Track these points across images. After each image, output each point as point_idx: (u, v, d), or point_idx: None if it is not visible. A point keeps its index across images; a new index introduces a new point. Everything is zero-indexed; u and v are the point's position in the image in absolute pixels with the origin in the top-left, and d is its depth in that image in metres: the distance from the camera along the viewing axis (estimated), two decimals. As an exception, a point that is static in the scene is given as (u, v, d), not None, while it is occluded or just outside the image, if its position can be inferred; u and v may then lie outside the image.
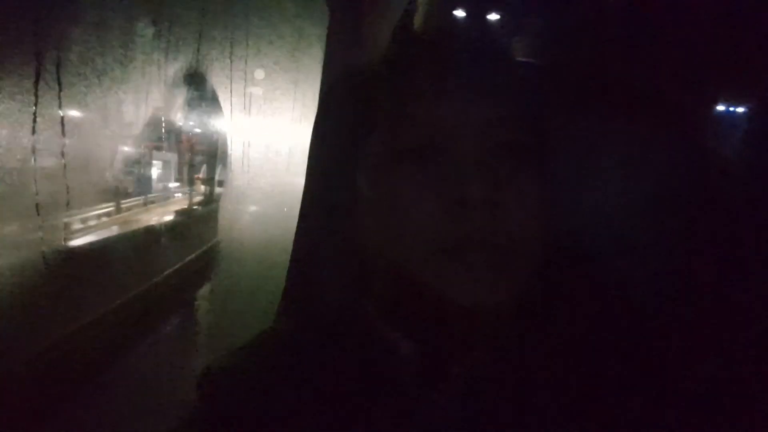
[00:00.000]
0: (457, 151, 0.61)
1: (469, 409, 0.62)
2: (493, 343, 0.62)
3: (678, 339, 0.64)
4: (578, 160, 0.82)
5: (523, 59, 0.91)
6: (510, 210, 0.60)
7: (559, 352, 0.62)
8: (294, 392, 0.68)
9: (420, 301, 0.61)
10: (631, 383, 0.61)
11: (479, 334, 0.62)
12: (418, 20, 1.76)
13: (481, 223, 0.58)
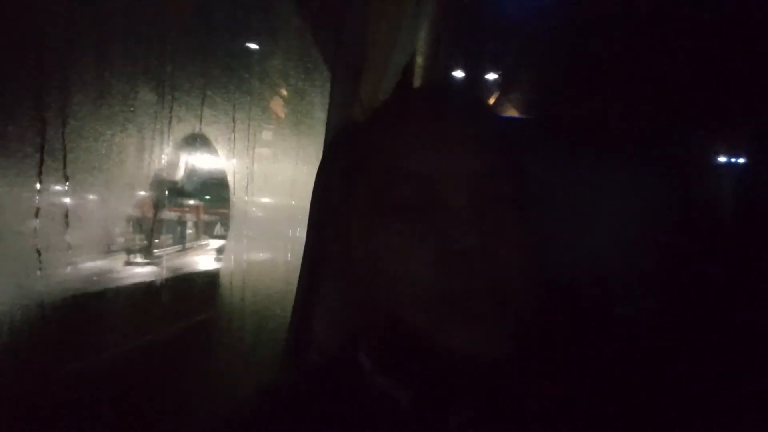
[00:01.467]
0: (448, 203, 0.61)
1: None
2: (493, 393, 0.61)
3: (675, 383, 0.64)
4: (567, 209, 0.83)
5: (510, 114, 0.94)
6: (502, 259, 0.60)
7: (559, 399, 0.61)
8: None
9: (417, 353, 0.61)
10: (634, 425, 0.60)
11: (478, 384, 0.61)
12: (416, 82, 1.82)
13: (474, 273, 0.58)
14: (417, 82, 1.58)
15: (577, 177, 0.88)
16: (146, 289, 1.12)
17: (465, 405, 0.61)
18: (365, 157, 0.69)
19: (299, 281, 1.02)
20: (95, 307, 0.98)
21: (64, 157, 0.79)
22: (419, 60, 1.50)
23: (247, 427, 0.69)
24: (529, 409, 0.60)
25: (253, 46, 1.34)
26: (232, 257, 1.39)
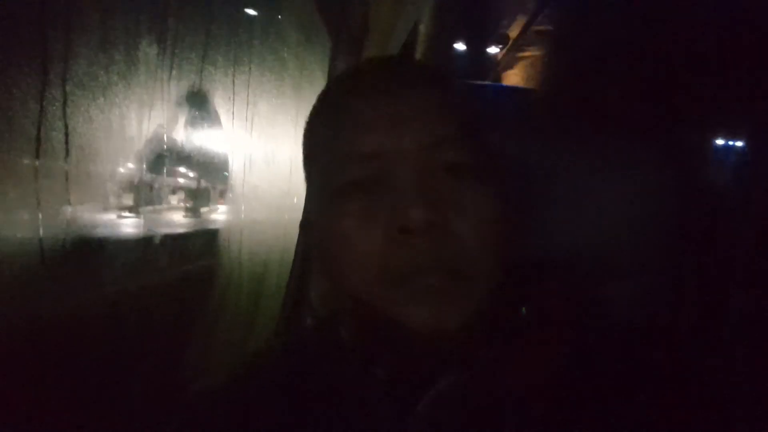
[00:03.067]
0: (397, 178, 0.60)
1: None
2: (459, 366, 0.61)
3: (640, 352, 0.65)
4: (528, 179, 0.83)
5: (466, 81, 0.93)
6: (455, 233, 0.58)
7: (525, 370, 0.62)
8: (276, 416, 0.68)
9: (381, 330, 0.61)
10: (600, 397, 0.60)
11: (443, 358, 0.61)
12: (417, 53, 1.81)
13: (426, 248, 0.57)
14: (419, 51, 1.57)
15: (554, 147, 0.87)
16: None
17: (435, 379, 0.61)
18: (318, 138, 0.68)
19: (296, 251, 1.03)
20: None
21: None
22: (420, 33, 1.49)
23: (234, 394, 0.70)
24: (502, 384, 0.60)
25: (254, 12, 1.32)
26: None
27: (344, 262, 0.61)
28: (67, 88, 0.76)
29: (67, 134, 0.78)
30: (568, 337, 0.63)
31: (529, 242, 0.68)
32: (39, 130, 0.74)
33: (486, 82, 1.08)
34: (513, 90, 1.08)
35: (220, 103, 1.09)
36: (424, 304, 0.56)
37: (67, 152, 0.78)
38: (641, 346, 0.66)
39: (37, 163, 0.76)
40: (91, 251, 0.95)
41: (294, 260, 1.05)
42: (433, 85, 0.65)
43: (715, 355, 0.72)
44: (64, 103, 0.76)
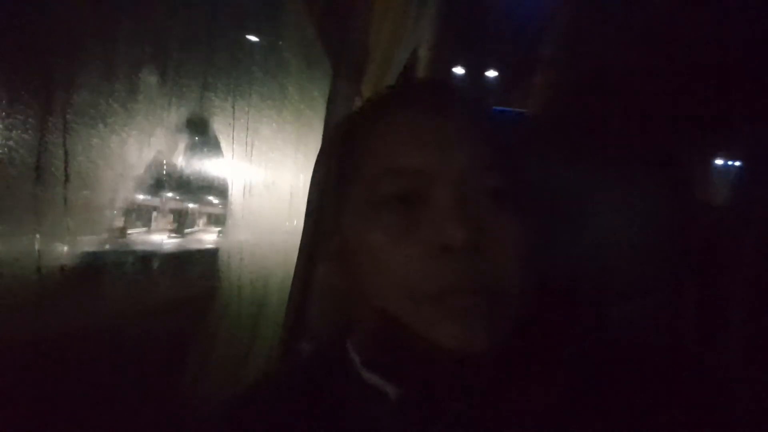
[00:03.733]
0: (440, 197, 0.61)
1: None
2: (483, 389, 0.61)
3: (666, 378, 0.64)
4: (561, 206, 0.83)
5: (504, 109, 0.94)
6: (492, 255, 0.59)
7: (549, 396, 0.61)
8: None
9: (406, 348, 0.61)
10: (625, 425, 0.60)
11: (468, 380, 0.61)
12: (417, 76, 1.82)
13: (464, 268, 0.58)
14: (418, 77, 1.59)
15: (573, 173, 0.88)
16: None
17: (453, 401, 0.61)
18: (356, 150, 0.69)
19: (296, 270, 1.03)
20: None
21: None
22: (421, 55, 1.51)
23: (237, 418, 0.69)
24: (519, 406, 0.60)
25: (255, 38, 1.34)
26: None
27: (378, 275, 0.61)
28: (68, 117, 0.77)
29: (66, 161, 0.79)
30: (591, 359, 0.63)
31: (557, 266, 0.69)
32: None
33: (519, 110, 1.10)
34: (515, 114, 1.09)
35: (220, 129, 1.10)
36: (456, 324, 0.57)
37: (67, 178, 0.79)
38: (668, 367, 0.66)
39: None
40: (90, 273, 0.96)
41: (293, 281, 1.05)
42: (477, 110, 0.68)
43: (723, 376, 0.71)
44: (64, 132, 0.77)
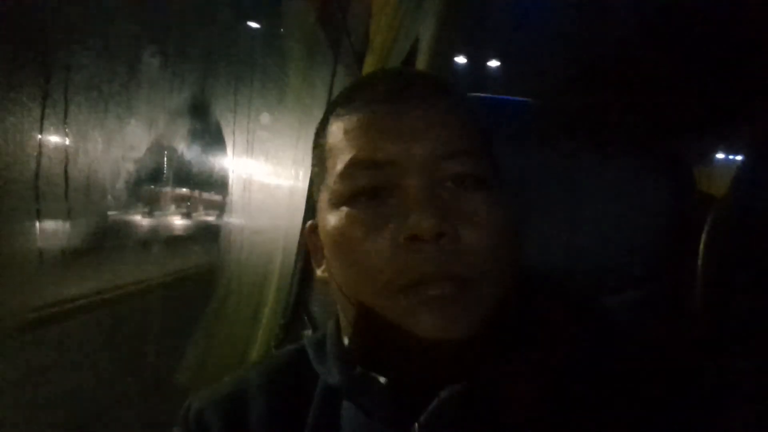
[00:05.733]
0: (407, 187, 0.61)
1: None
2: (463, 376, 0.62)
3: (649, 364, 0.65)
4: (538, 193, 0.83)
5: (476, 94, 0.94)
6: (463, 242, 0.59)
7: (534, 381, 0.62)
8: (278, 424, 0.68)
9: (386, 339, 0.61)
10: (609, 413, 0.61)
11: (448, 367, 0.61)
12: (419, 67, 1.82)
13: (435, 257, 0.58)
14: (420, 65, 1.58)
15: (549, 160, 0.88)
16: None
17: (440, 388, 0.61)
18: (326, 145, 0.69)
19: (296, 260, 1.04)
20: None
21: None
22: (421, 49, 1.51)
23: (231, 404, 0.70)
24: (505, 393, 0.61)
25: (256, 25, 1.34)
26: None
27: (352, 270, 0.62)
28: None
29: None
30: (571, 348, 0.64)
31: (532, 253, 0.69)
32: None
33: (493, 96, 1.09)
34: (517, 103, 1.09)
35: (221, 116, 1.10)
36: (431, 313, 0.57)
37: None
38: (646, 359, 0.66)
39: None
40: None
41: (294, 269, 1.06)
42: (444, 97, 0.66)
43: (718, 368, 0.72)
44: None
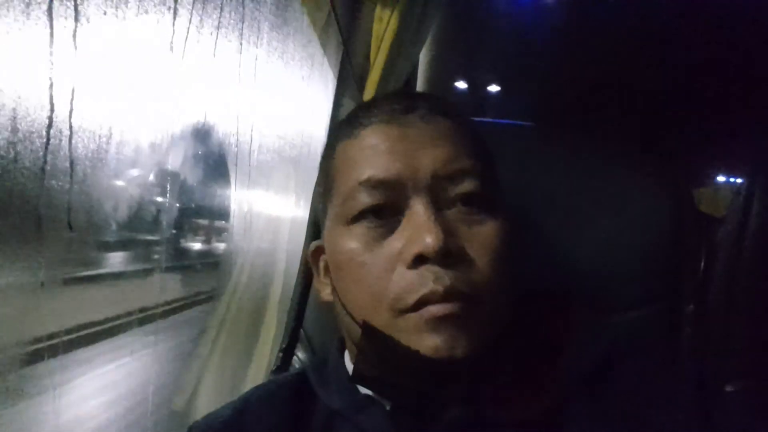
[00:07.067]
0: (414, 206, 0.61)
1: None
2: (472, 395, 0.61)
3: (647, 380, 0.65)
4: (541, 212, 0.83)
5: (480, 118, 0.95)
6: (468, 261, 0.59)
7: (538, 400, 0.61)
8: None
9: (391, 359, 0.61)
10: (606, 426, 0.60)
11: (454, 388, 0.60)
12: (418, 88, 1.84)
13: (440, 276, 0.58)
14: (420, 89, 1.60)
15: (557, 181, 0.89)
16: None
17: (445, 408, 0.61)
18: (331, 167, 0.69)
19: (296, 284, 1.03)
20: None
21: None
22: (422, 67, 1.52)
23: (241, 418, 0.70)
24: (510, 412, 0.60)
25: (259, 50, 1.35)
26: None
27: (357, 288, 0.62)
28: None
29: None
30: (574, 368, 0.63)
31: (534, 273, 0.69)
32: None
33: (495, 120, 1.10)
34: (517, 126, 1.10)
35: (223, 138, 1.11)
36: (437, 332, 0.57)
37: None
38: (647, 376, 0.66)
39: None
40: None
41: (294, 292, 1.05)
42: (448, 118, 0.67)
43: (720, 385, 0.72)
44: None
